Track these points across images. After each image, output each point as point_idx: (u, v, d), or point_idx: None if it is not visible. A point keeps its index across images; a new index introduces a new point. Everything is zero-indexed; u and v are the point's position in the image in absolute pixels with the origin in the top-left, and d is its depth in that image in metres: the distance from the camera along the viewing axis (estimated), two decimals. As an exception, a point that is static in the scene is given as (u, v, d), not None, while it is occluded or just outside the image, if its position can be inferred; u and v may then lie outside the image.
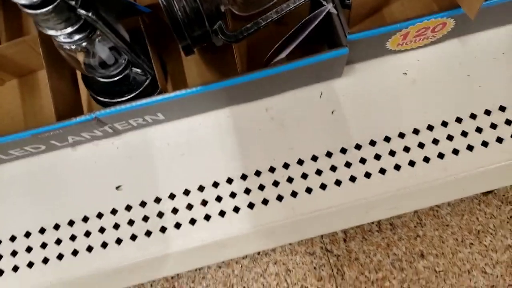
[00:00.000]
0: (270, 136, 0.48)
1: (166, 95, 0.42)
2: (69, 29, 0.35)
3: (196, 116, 0.49)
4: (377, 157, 0.46)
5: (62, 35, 0.35)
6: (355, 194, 0.45)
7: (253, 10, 0.41)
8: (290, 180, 0.46)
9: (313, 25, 0.42)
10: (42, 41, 0.45)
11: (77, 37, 0.36)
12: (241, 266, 0.71)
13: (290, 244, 0.70)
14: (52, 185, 0.48)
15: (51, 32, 0.35)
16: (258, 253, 0.71)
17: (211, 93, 0.44)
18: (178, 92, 0.42)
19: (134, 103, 0.42)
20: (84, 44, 0.38)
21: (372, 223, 0.71)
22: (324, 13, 0.42)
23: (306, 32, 0.43)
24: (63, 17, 0.33)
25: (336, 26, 0.43)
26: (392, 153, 0.46)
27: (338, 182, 0.45)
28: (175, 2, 0.35)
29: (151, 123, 0.48)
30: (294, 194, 0.45)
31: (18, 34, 0.54)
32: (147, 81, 0.46)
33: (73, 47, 0.38)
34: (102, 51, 0.41)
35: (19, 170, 0.49)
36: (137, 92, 0.46)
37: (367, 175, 0.45)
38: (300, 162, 0.47)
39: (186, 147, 0.48)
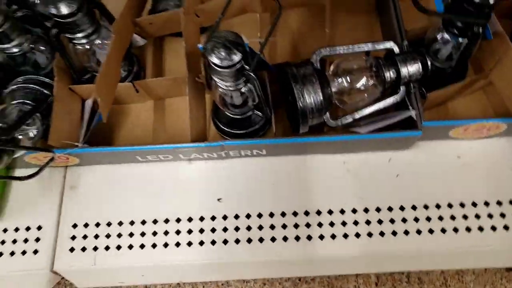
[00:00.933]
0: (345, 184, 0.60)
1: (280, 139, 0.56)
2: (239, 83, 0.49)
3: (289, 156, 0.62)
4: (428, 219, 0.58)
5: (230, 86, 0.50)
6: (404, 245, 0.56)
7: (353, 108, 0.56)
8: (356, 223, 0.58)
9: (394, 121, 0.56)
10: (190, 83, 0.59)
11: (240, 87, 0.50)
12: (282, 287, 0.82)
13: (329, 276, 0.81)
14: (168, 187, 0.62)
15: (221, 83, 0.50)
16: (299, 279, 0.82)
17: (305, 144, 0.58)
18: (287, 138, 0.56)
19: (253, 140, 0.56)
20: (234, 91, 0.53)
21: (403, 273, 0.81)
22: (406, 115, 0.55)
23: (386, 124, 0.56)
24: (239, 76, 0.48)
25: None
26: (440, 218, 0.58)
27: (393, 232, 0.57)
28: (305, 95, 0.50)
29: (254, 155, 0.61)
30: (357, 235, 0.58)
31: (159, 68, 0.70)
32: (262, 121, 0.60)
33: (227, 93, 0.53)
34: (240, 96, 0.56)
35: (148, 170, 0.63)
36: (254, 128, 0.60)
37: (418, 231, 0.57)
38: (366, 210, 0.59)
39: (275, 178, 0.61)
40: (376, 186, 0.60)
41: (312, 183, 0.61)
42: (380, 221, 0.58)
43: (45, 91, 0.60)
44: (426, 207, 0.58)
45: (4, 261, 0.59)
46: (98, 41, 0.58)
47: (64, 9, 0.51)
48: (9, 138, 0.50)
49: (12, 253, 0.59)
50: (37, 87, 0.61)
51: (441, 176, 0.60)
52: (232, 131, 0.61)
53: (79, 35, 0.55)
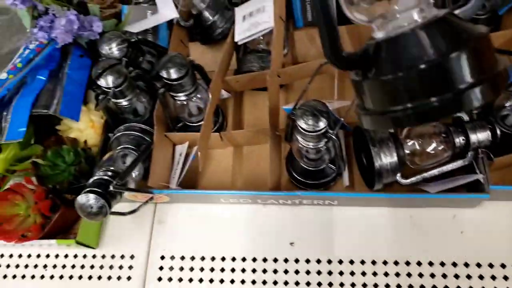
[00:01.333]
0: (410, 237, 0.64)
1: (357, 193, 0.61)
2: (320, 143, 0.56)
3: (358, 207, 0.67)
4: (493, 277, 0.60)
5: (311, 145, 0.56)
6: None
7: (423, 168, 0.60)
8: (420, 275, 0.62)
9: (461, 183, 0.60)
10: (271, 136, 0.67)
11: (320, 146, 0.57)
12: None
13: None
14: (246, 228, 0.69)
15: (302, 141, 0.56)
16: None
17: (376, 198, 0.63)
18: (362, 193, 0.62)
19: (329, 193, 0.62)
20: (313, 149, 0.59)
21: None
22: (473, 179, 0.59)
23: (454, 185, 0.60)
24: (322, 138, 0.55)
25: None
26: (505, 277, 0.60)
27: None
28: (382, 157, 0.55)
29: (326, 205, 0.67)
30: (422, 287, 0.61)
31: (240, 118, 0.78)
32: (334, 174, 0.66)
33: (307, 149, 0.59)
34: (317, 153, 0.62)
35: (229, 211, 0.70)
36: (326, 180, 0.66)
37: (482, 288, 0.60)
38: (431, 263, 0.63)
39: (344, 227, 0.66)
40: (440, 241, 0.64)
41: (379, 234, 0.65)
42: (444, 276, 0.62)
43: (145, 137, 0.70)
44: (491, 265, 0.61)
45: (103, 284, 0.67)
46: (194, 98, 0.67)
47: (174, 74, 0.61)
48: (124, 182, 0.58)
49: (109, 278, 0.68)
50: (137, 133, 0.70)
51: (507, 235, 0.63)
52: (306, 181, 0.67)
53: (181, 94, 0.64)
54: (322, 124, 0.53)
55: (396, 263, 0.63)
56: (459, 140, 0.59)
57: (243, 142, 0.74)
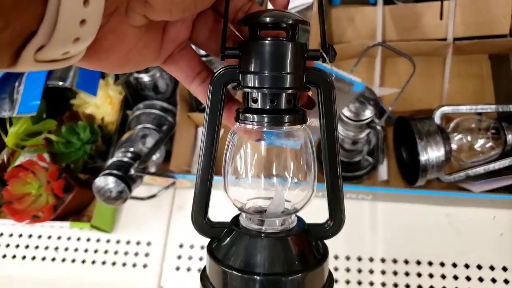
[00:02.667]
0: (446, 237, 0.61)
1: (396, 189, 0.57)
2: (362, 134, 0.51)
3: (393, 203, 0.63)
4: (532, 283, 0.57)
5: (351, 135, 0.52)
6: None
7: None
8: (455, 277, 0.59)
9: (507, 183, 0.55)
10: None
11: (361, 137, 0.53)
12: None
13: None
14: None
15: (342, 132, 0.52)
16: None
17: (414, 195, 0.59)
18: (402, 189, 0.57)
19: (364, 187, 0.58)
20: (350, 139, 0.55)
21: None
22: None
23: (499, 186, 0.56)
24: (364, 128, 0.50)
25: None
26: (546, 285, 0.57)
27: (495, 293, 0.57)
28: (429, 151, 0.51)
29: (359, 199, 0.63)
30: (457, 289, 0.58)
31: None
32: (369, 167, 0.62)
33: (347, 140, 0.55)
34: (352, 144, 0.58)
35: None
36: (360, 173, 0.61)
37: (522, 295, 0.57)
38: (467, 266, 0.59)
39: (377, 222, 0.63)
40: (478, 242, 0.60)
41: (413, 232, 0.61)
42: (481, 279, 0.58)
43: (167, 117, 0.65)
44: (530, 271, 0.58)
45: (117, 270, 0.64)
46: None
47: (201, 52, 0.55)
48: (145, 166, 0.54)
49: (124, 264, 0.64)
50: (159, 112, 0.65)
51: (548, 240, 0.59)
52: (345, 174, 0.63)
53: (210, 71, 0.59)
54: (368, 112, 0.49)
55: (430, 263, 0.60)
56: (511, 137, 0.54)
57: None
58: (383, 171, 0.60)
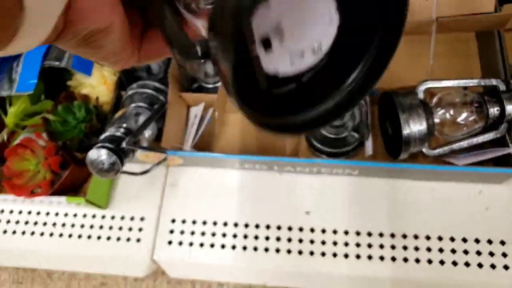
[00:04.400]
0: (430, 210, 0.62)
1: (379, 163, 0.58)
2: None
3: (379, 178, 0.64)
4: (504, 255, 0.58)
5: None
6: (488, 278, 0.57)
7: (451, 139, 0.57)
8: (441, 250, 0.60)
9: (492, 156, 0.56)
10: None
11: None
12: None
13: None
14: (261, 194, 0.66)
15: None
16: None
17: (399, 169, 0.60)
18: (385, 163, 0.59)
19: (351, 161, 0.59)
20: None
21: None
22: (505, 152, 0.56)
23: (483, 158, 0.57)
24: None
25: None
26: (530, 256, 0.58)
27: (479, 265, 0.58)
28: (411, 124, 0.52)
29: (346, 174, 0.64)
30: (441, 262, 0.59)
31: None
32: (356, 143, 0.63)
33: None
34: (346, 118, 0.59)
35: (243, 177, 0.67)
36: (347, 149, 0.63)
37: (506, 267, 0.57)
38: (452, 239, 0.60)
39: (363, 198, 0.64)
40: (464, 216, 0.61)
41: (399, 207, 0.63)
42: (466, 252, 0.59)
43: (159, 96, 0.67)
44: (502, 242, 0.59)
45: (111, 244, 0.66)
46: (213, 56, 0.64)
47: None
48: (136, 140, 0.56)
49: (118, 239, 0.66)
50: (152, 91, 0.67)
51: (532, 214, 0.60)
52: (325, 149, 0.64)
53: (199, 50, 0.61)
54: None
55: (415, 236, 0.61)
56: (493, 110, 0.55)
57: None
58: (368, 146, 0.62)
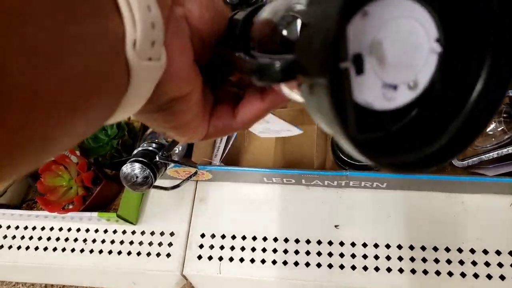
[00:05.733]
0: (461, 223, 0.61)
1: (406, 175, 0.58)
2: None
3: (408, 191, 0.65)
4: (554, 268, 0.57)
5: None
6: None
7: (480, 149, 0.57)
8: (474, 263, 0.59)
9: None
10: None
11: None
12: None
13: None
14: (290, 209, 0.67)
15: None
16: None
17: (426, 181, 0.60)
18: (412, 175, 0.59)
19: (380, 173, 0.60)
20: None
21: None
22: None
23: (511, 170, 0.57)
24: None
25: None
26: None
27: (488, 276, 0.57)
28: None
29: (374, 187, 0.65)
30: (475, 275, 0.58)
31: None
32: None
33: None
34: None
35: (271, 191, 0.68)
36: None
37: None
38: (485, 252, 0.59)
39: (392, 211, 0.64)
40: (495, 229, 0.60)
41: (429, 219, 0.62)
42: (500, 265, 0.58)
43: (188, 113, 0.68)
44: (550, 256, 0.58)
45: (142, 260, 0.66)
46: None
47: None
48: (168, 154, 0.57)
49: (149, 254, 0.67)
50: (180, 109, 0.69)
51: None
52: (353, 162, 0.65)
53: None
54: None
55: (447, 249, 0.60)
56: (522, 120, 0.56)
57: (288, 121, 0.72)
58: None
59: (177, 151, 0.64)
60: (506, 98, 0.60)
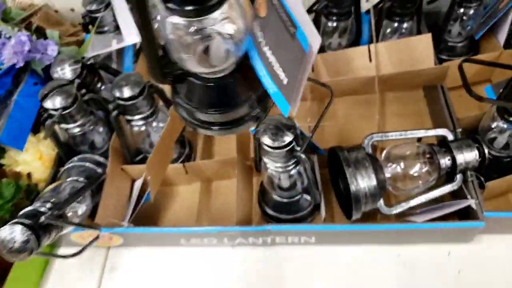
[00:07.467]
0: (400, 279, 0.55)
1: (330, 225, 0.53)
2: (289, 164, 0.49)
3: (339, 246, 0.58)
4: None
5: (280, 167, 0.49)
6: None
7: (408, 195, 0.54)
8: (415, 324, 0.52)
9: (452, 210, 0.52)
10: (239, 165, 0.60)
11: (289, 168, 0.50)
12: None
13: None
14: (212, 275, 0.59)
15: (270, 164, 0.50)
16: None
17: (357, 232, 0.55)
18: (337, 225, 0.53)
19: (302, 226, 0.54)
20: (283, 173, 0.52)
21: None
22: (465, 205, 0.52)
23: (443, 213, 0.53)
24: (289, 157, 0.48)
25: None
26: (516, 324, 0.50)
27: None
28: (359, 179, 0.49)
29: (302, 243, 0.58)
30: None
31: (210, 150, 0.71)
32: (310, 207, 0.58)
33: (276, 175, 0.52)
34: (288, 179, 0.55)
35: (191, 255, 0.60)
36: (301, 214, 0.57)
37: None
38: (426, 310, 0.53)
39: (324, 269, 0.57)
40: (435, 282, 0.54)
41: (363, 276, 0.56)
42: (444, 325, 0.51)
43: (99, 170, 0.62)
44: (496, 310, 0.52)
45: None
46: (154, 124, 0.61)
47: (127, 93, 0.55)
48: (60, 214, 0.50)
49: (43, 338, 0.56)
50: (91, 165, 0.63)
51: (509, 273, 0.54)
52: (279, 215, 0.59)
53: (137, 117, 0.59)
54: (287, 138, 0.47)
55: (385, 310, 0.53)
56: (445, 161, 0.53)
57: (211, 175, 0.66)
58: (322, 209, 0.57)
59: (79, 212, 0.57)
60: (427, 138, 0.57)
